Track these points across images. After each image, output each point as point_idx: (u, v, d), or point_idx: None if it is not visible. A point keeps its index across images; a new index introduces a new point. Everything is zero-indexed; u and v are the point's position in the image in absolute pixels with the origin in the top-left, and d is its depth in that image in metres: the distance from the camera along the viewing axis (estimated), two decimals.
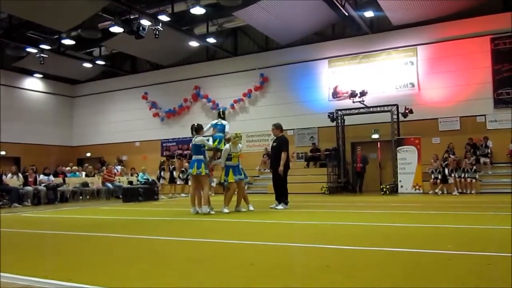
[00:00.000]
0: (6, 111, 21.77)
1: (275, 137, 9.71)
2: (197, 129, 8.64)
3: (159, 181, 17.19)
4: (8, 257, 4.34)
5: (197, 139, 8.54)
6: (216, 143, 8.95)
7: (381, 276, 3.17)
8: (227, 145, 8.76)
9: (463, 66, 16.84)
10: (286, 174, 9.45)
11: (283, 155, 9.21)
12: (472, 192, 14.23)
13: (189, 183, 16.66)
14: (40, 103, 24.63)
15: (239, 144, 8.93)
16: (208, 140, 8.78)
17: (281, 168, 9.18)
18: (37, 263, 4.09)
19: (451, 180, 14.63)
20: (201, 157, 8.53)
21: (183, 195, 16.54)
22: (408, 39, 17.78)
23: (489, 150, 15.60)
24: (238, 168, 8.88)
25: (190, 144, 8.89)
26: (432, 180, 15.04)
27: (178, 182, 17.17)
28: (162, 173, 17.64)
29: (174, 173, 17.15)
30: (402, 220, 7.18)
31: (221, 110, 9.92)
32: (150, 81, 23.70)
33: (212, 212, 8.40)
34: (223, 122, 9.32)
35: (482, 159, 15.40)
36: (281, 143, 9.41)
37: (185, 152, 20.71)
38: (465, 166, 14.76)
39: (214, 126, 9.22)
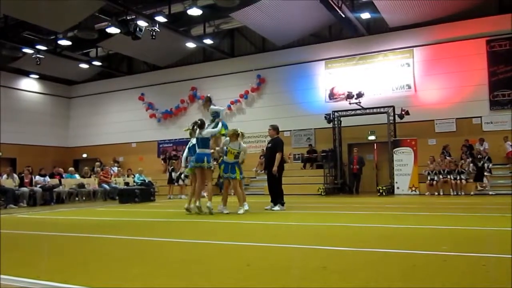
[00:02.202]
0: (2, 112, 21.71)
1: (271, 138, 9.73)
2: (201, 126, 8.66)
3: (177, 182, 16.90)
4: (3, 258, 4.32)
5: (205, 132, 8.55)
6: (223, 129, 9.02)
7: (377, 277, 3.18)
8: (227, 138, 8.76)
9: (459, 68, 16.90)
10: (281, 175, 9.46)
11: (278, 156, 9.22)
12: (472, 193, 14.26)
13: (186, 182, 16.71)
14: (36, 103, 24.57)
15: (241, 143, 8.83)
16: (214, 128, 8.81)
17: (275, 168, 9.18)
18: (32, 264, 4.07)
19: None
20: (209, 151, 8.58)
21: (183, 196, 16.40)
22: (405, 40, 17.84)
23: (490, 164, 14.83)
24: (232, 166, 8.74)
25: (195, 138, 8.76)
26: (428, 182, 15.07)
27: (177, 183, 17.04)
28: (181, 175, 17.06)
29: (173, 174, 17.06)
30: (398, 221, 7.18)
31: (209, 95, 9.82)
32: (147, 82, 23.68)
33: (213, 213, 8.40)
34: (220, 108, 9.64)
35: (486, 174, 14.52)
36: (276, 144, 9.44)
37: (179, 153, 20.55)
38: (461, 167, 14.82)
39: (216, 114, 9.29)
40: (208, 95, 9.87)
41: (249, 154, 18.78)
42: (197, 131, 8.68)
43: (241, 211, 8.57)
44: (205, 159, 8.42)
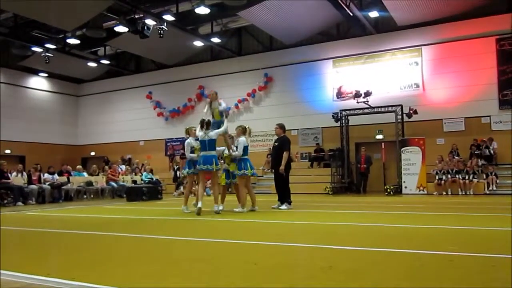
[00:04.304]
0: (11, 110, 21.91)
1: (277, 137, 9.73)
2: (208, 124, 8.48)
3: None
4: (12, 255, 4.36)
5: (212, 133, 8.37)
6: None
7: (385, 276, 3.17)
8: (243, 137, 8.75)
9: (468, 66, 16.77)
10: (288, 174, 9.44)
11: (285, 154, 9.21)
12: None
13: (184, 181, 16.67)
14: (45, 102, 24.73)
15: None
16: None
17: (282, 167, 9.17)
18: (40, 261, 4.11)
19: None
20: (215, 152, 8.43)
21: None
22: (413, 39, 17.72)
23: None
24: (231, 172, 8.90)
25: (201, 139, 8.44)
26: (436, 181, 14.99)
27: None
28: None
29: (178, 172, 17.13)
30: (406, 221, 7.16)
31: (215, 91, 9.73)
32: (155, 80, 23.75)
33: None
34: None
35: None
36: (282, 143, 9.43)
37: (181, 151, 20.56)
38: (470, 167, 14.73)
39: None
40: (215, 90, 9.66)
41: (256, 152, 19.08)
42: (200, 133, 8.50)
43: (237, 210, 8.65)
44: (214, 161, 8.28)
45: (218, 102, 9.16)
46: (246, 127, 9.04)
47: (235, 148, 8.78)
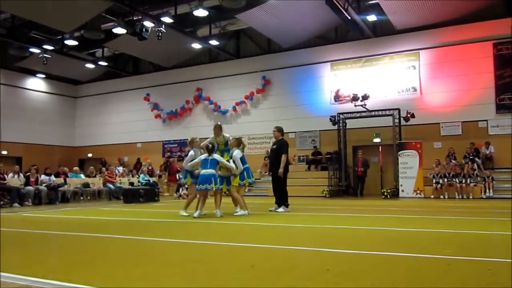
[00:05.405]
0: (8, 111, 21.81)
1: (275, 140, 9.73)
2: (211, 150, 8.35)
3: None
4: (8, 256, 4.35)
5: (216, 156, 8.33)
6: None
7: (381, 280, 3.17)
8: (238, 151, 8.69)
9: (466, 71, 16.83)
10: (286, 176, 9.45)
11: (283, 157, 9.22)
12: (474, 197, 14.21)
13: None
14: (42, 103, 24.69)
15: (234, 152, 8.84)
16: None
17: (280, 170, 9.17)
18: (37, 263, 4.09)
19: None
20: (215, 171, 8.26)
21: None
22: (411, 43, 17.78)
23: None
24: (224, 178, 8.76)
25: (204, 159, 8.29)
26: (433, 185, 15.02)
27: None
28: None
29: (177, 175, 17.08)
30: (403, 224, 7.16)
31: (219, 123, 9.50)
32: (152, 82, 23.75)
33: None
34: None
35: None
36: (280, 146, 9.44)
37: (182, 154, 20.57)
38: (467, 171, 14.78)
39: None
40: (219, 123, 9.47)
41: (253, 155, 19.07)
42: (204, 154, 8.42)
43: (239, 213, 8.55)
44: (213, 179, 8.13)
45: (224, 136, 9.00)
46: (242, 140, 8.96)
47: (233, 165, 8.63)
